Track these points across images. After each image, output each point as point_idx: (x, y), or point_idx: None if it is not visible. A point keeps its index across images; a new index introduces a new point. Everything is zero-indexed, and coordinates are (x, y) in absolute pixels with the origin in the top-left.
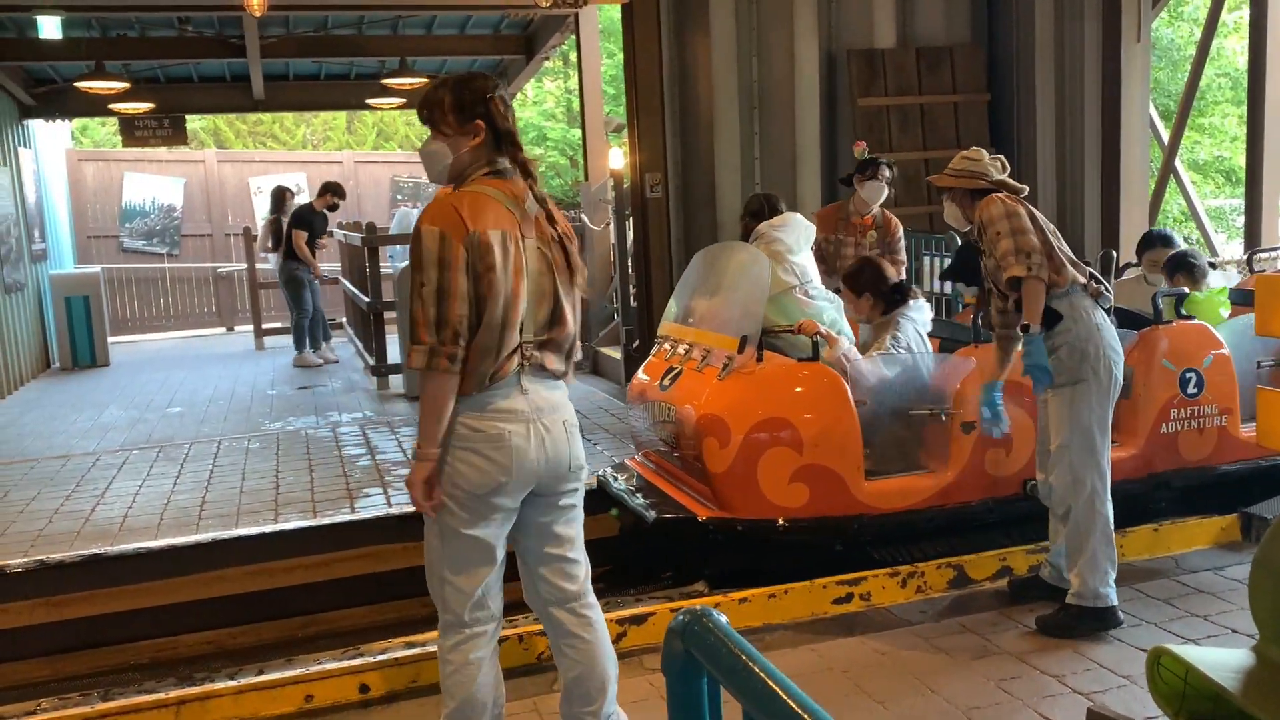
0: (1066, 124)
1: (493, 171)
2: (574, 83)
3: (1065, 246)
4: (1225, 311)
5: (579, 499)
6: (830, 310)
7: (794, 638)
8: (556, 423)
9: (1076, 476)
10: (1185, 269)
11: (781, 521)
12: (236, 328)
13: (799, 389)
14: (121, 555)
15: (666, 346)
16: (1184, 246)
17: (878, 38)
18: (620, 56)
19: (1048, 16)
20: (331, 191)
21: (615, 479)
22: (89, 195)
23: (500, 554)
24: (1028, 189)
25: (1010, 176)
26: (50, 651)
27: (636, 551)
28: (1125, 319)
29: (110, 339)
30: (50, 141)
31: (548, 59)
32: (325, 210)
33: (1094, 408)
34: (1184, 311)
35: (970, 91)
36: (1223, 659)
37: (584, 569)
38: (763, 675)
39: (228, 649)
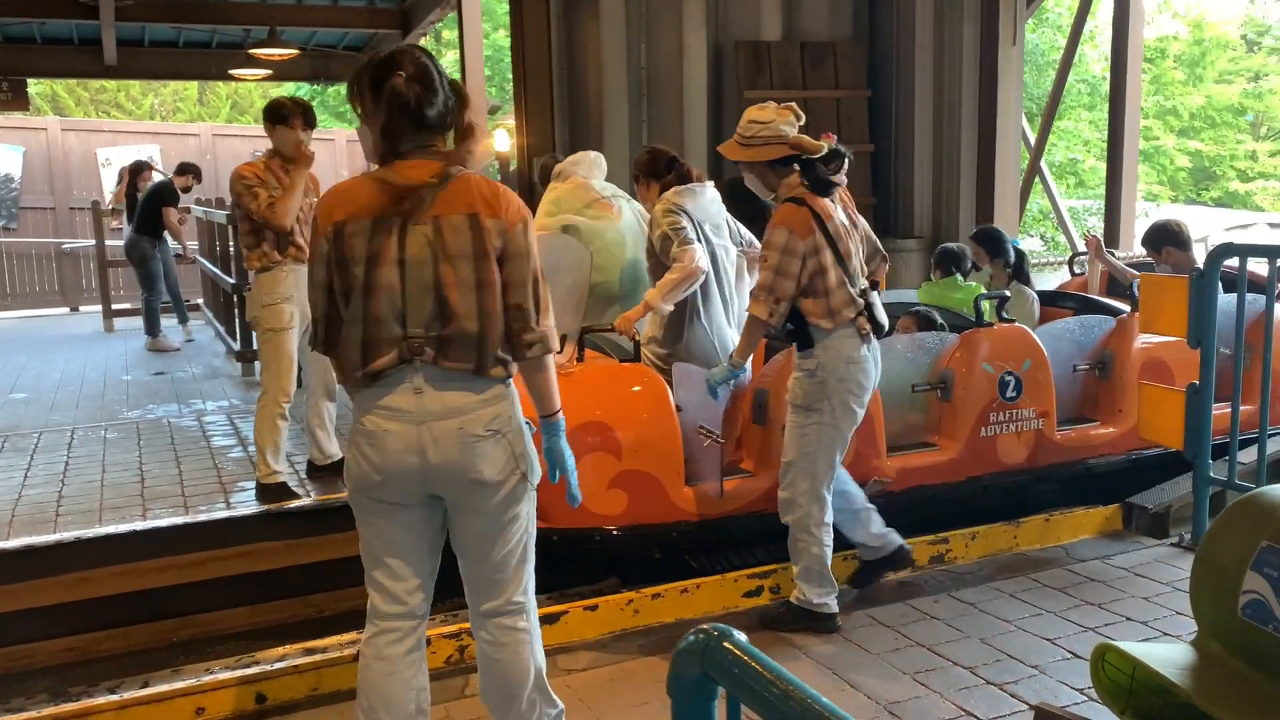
0: (944, 121)
1: (406, 151)
2: (446, 60)
3: (856, 269)
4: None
5: (499, 513)
6: None
7: None
8: (449, 430)
9: (793, 497)
10: (952, 261)
11: (600, 530)
12: (82, 308)
13: (618, 391)
14: None
15: None
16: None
17: (764, 30)
18: (497, 37)
19: (927, 16)
20: (190, 173)
21: None
22: None
23: (411, 551)
24: (826, 147)
25: (803, 132)
26: None
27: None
28: (950, 321)
29: None
30: None
31: (424, 35)
32: (181, 191)
33: (821, 438)
34: (1005, 314)
35: (852, 87)
36: (1166, 654)
37: (511, 585)
38: (802, 700)
39: (93, 655)
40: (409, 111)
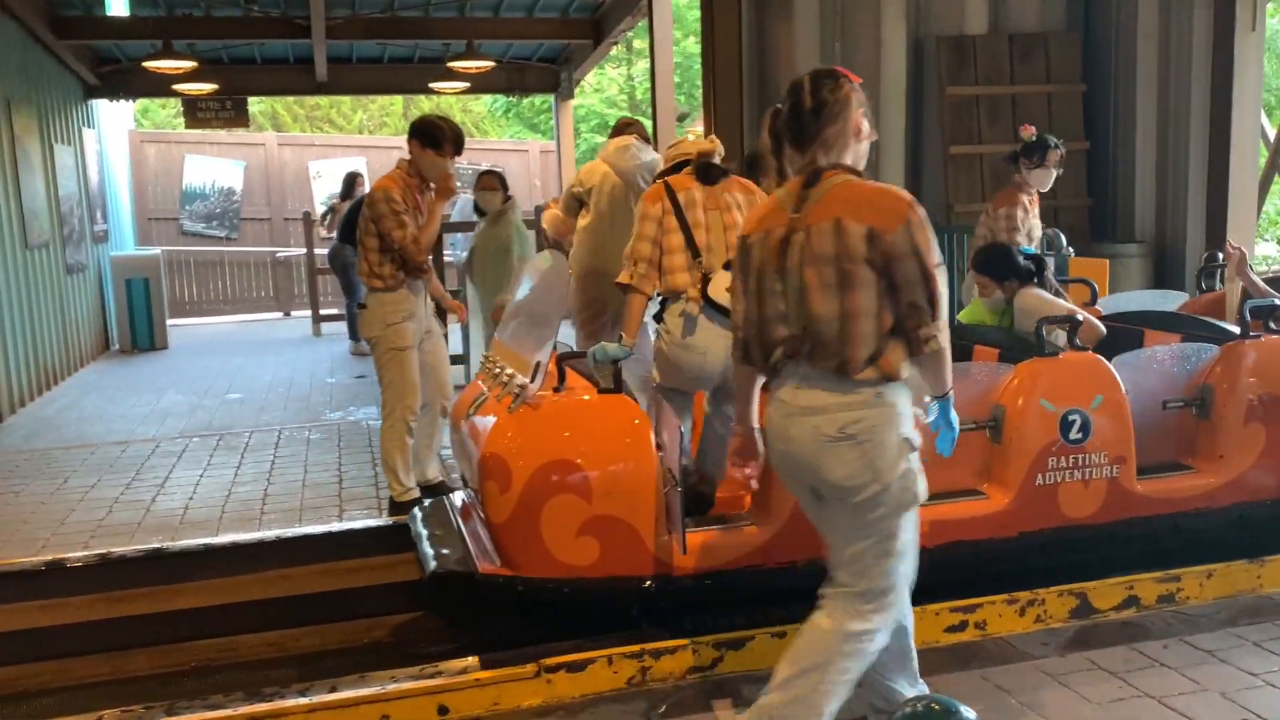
0: (1170, 116)
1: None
2: (636, 69)
3: (709, 247)
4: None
5: (853, 516)
6: None
7: None
8: (807, 427)
9: None
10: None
11: (569, 581)
12: (293, 313)
13: (589, 426)
14: (184, 551)
15: (486, 366)
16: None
17: (969, 23)
18: (686, 44)
19: (1151, 3)
20: None
21: (425, 516)
22: (150, 177)
23: (825, 530)
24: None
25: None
26: (110, 648)
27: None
28: (1007, 343)
29: (169, 321)
30: (113, 122)
31: (616, 44)
32: None
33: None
34: (1078, 342)
35: (1065, 81)
36: None
37: (853, 579)
38: None
39: (290, 652)
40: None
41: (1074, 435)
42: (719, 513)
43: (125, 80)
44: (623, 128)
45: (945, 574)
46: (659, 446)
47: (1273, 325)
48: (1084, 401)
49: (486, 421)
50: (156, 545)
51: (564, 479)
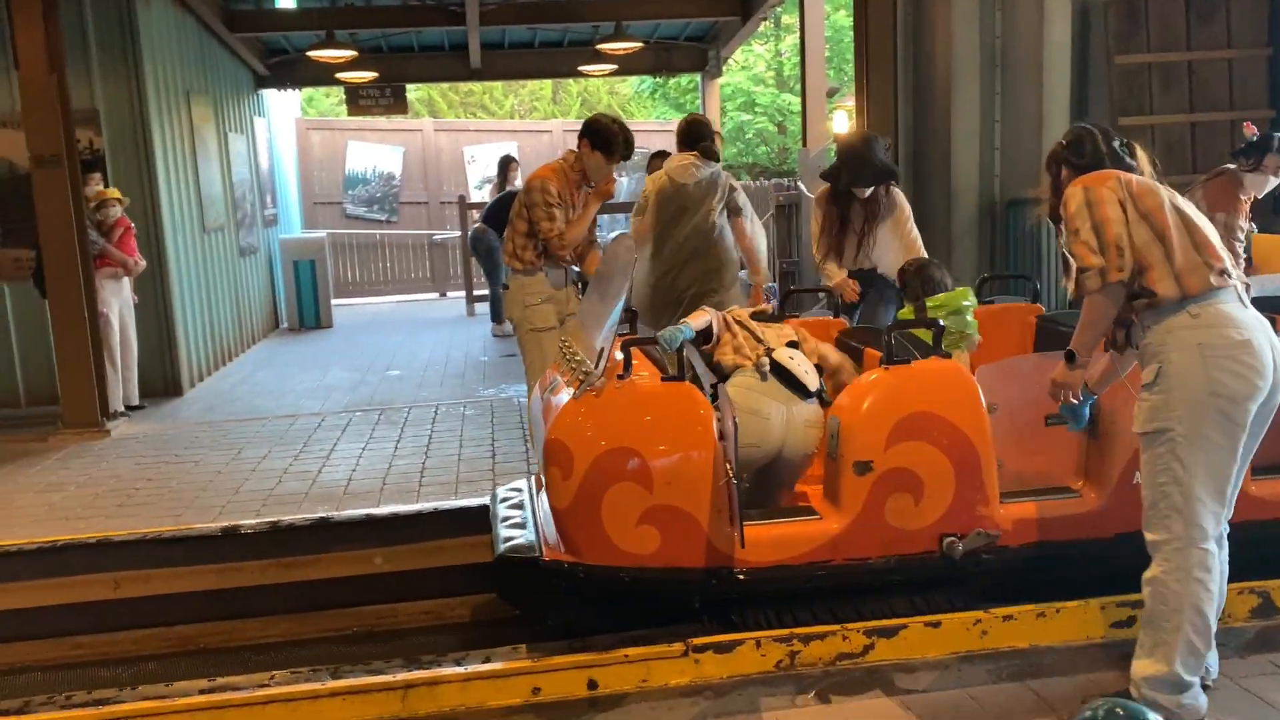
0: None
1: None
2: (784, 45)
3: None
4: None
5: None
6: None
7: (1068, 665)
8: None
9: None
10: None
11: (629, 569)
12: (449, 294)
13: (652, 413)
14: (348, 521)
15: (561, 350)
16: None
17: None
18: (837, 17)
19: None
20: None
21: (506, 499)
22: (315, 163)
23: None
24: None
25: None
26: (281, 611)
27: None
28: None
29: (333, 301)
30: (281, 111)
31: (765, 19)
32: None
33: None
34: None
35: (1248, 46)
36: None
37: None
38: None
39: (446, 620)
40: None
41: None
42: (788, 505)
43: (292, 70)
44: (691, 137)
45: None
46: (721, 435)
47: None
48: None
49: (556, 406)
50: (322, 515)
51: (625, 466)
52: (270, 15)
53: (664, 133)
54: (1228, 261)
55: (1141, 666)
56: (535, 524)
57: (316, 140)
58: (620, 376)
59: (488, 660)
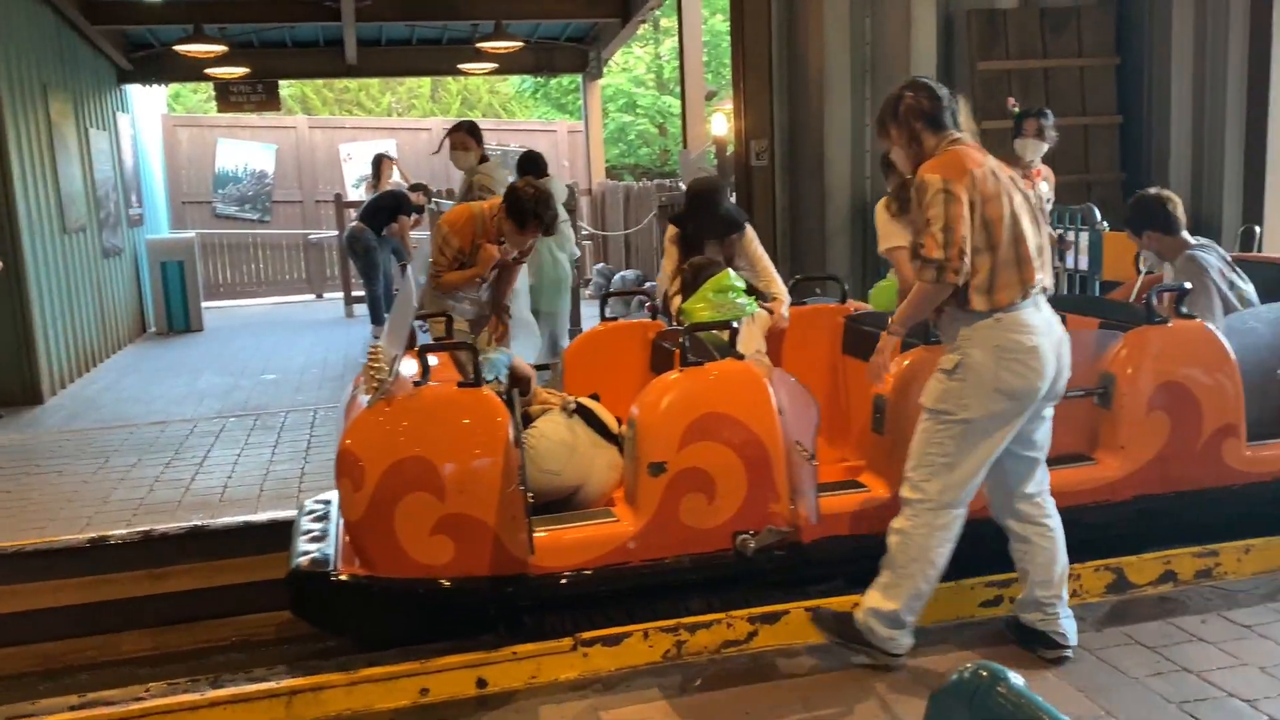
0: (1206, 90)
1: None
2: (664, 48)
3: None
4: None
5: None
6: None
7: (941, 643)
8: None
9: None
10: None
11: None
12: (326, 295)
13: (444, 421)
14: (225, 528)
15: (369, 359)
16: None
17: None
18: (714, 22)
19: None
20: (421, 190)
21: (312, 511)
22: (183, 161)
23: None
24: None
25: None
26: (153, 624)
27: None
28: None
29: (203, 304)
30: (146, 107)
31: (644, 22)
32: (415, 209)
33: None
34: (1184, 309)
35: (1097, 55)
36: None
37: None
38: None
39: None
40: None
41: None
42: (584, 509)
43: (158, 65)
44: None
45: None
46: (515, 442)
47: (1183, 310)
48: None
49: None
50: (197, 523)
51: (416, 476)
52: (133, 7)
53: (546, 132)
54: (1040, 275)
55: (873, 598)
56: (336, 536)
57: (184, 137)
58: (417, 383)
59: (374, 664)
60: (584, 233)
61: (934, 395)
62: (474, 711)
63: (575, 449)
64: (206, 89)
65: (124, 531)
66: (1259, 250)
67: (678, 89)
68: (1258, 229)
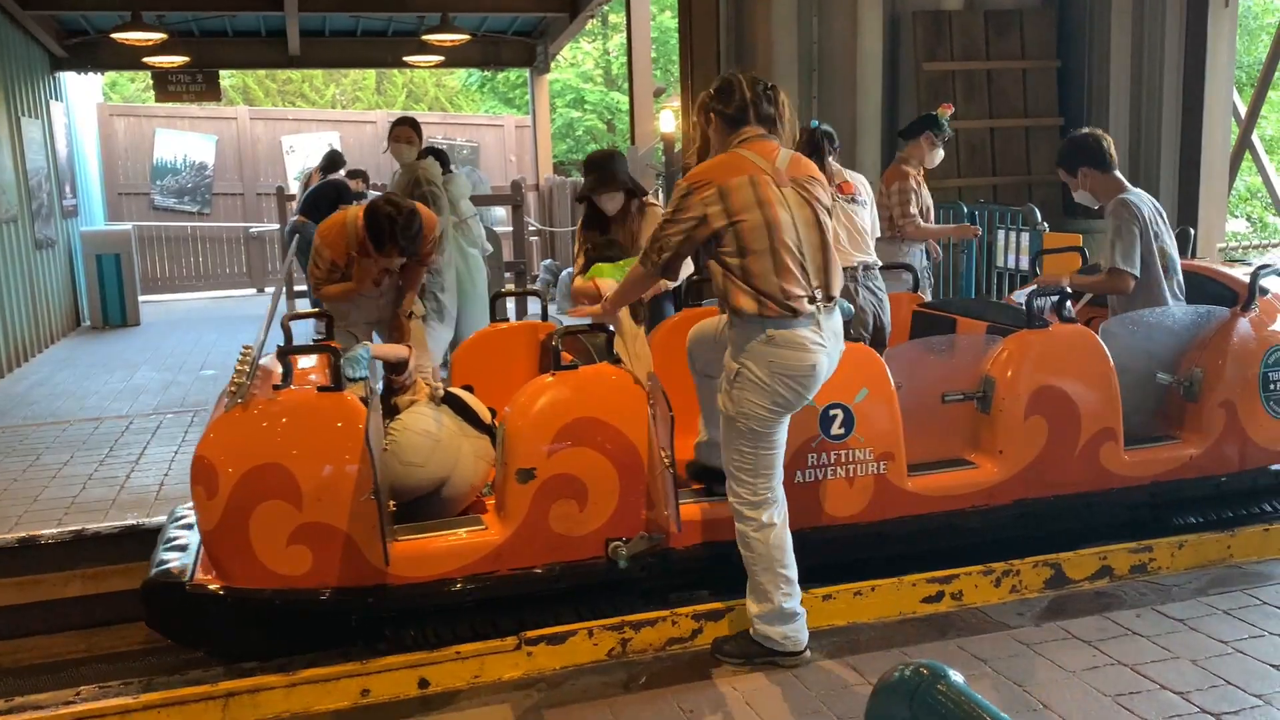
0: (1143, 92)
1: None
2: (612, 44)
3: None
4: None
5: None
6: None
7: (883, 639)
8: None
9: None
10: None
11: (281, 592)
12: (267, 289)
13: (301, 426)
14: (159, 527)
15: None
16: None
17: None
18: (663, 19)
19: None
20: (360, 177)
21: (180, 518)
22: (120, 151)
23: None
24: None
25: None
26: (86, 626)
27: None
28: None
29: (140, 298)
30: (81, 95)
31: (592, 17)
32: (355, 195)
33: None
34: (1066, 313)
35: (1039, 57)
36: None
37: None
38: None
39: None
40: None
41: (835, 430)
42: (452, 501)
43: (93, 52)
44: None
45: None
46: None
47: (1065, 314)
48: (848, 396)
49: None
50: (131, 522)
51: (272, 483)
52: None
53: (493, 127)
54: (807, 289)
55: (752, 608)
56: (198, 546)
57: (121, 127)
58: (276, 387)
59: (313, 665)
60: (531, 228)
61: (723, 400)
62: (416, 712)
63: (440, 440)
64: (144, 77)
65: (55, 531)
66: (1193, 252)
67: (626, 85)
68: (1192, 231)
